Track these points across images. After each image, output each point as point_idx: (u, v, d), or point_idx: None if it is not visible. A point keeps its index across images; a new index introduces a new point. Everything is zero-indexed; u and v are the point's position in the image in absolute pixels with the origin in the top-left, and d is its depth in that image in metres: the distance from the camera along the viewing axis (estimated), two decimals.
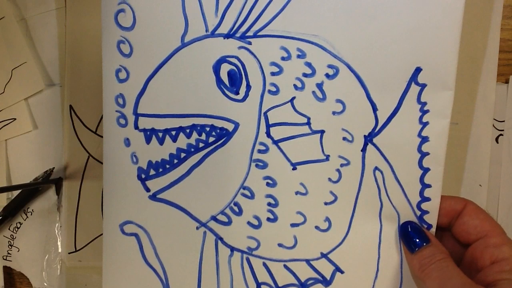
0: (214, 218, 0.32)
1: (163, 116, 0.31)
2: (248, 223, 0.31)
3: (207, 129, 0.30)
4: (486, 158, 0.44)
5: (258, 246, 0.32)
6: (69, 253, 0.45)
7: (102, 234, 0.44)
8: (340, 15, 0.28)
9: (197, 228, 0.32)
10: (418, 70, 0.29)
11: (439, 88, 0.29)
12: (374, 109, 0.30)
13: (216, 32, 0.30)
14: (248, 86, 0.30)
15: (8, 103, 0.46)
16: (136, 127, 0.31)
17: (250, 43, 0.30)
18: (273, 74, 0.30)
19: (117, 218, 0.32)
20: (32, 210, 0.46)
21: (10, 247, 0.46)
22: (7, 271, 0.47)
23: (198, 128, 0.30)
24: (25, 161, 0.46)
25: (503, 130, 0.43)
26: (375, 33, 0.28)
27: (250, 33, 0.29)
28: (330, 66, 0.29)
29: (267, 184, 0.31)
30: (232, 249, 0.32)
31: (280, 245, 0.32)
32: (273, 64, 0.30)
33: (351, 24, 0.28)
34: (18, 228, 0.46)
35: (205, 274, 0.32)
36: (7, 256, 0.47)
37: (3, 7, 0.46)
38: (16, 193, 0.46)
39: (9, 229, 0.47)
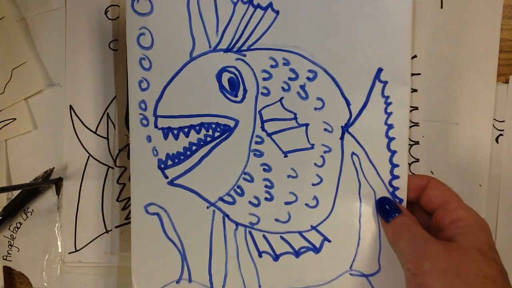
0: (221, 199, 0.38)
1: (177, 117, 0.37)
2: (249, 202, 0.38)
3: (213, 126, 0.37)
4: (486, 158, 0.44)
5: (258, 221, 0.38)
6: (69, 253, 0.45)
7: (102, 234, 0.45)
8: (315, 30, 0.35)
9: (207, 207, 0.38)
10: (380, 70, 0.35)
11: (398, 84, 0.35)
12: (348, 104, 0.36)
13: (218, 48, 0.36)
14: (245, 90, 0.37)
15: (8, 103, 0.46)
16: (156, 126, 0.38)
17: (245, 55, 0.37)
18: (264, 79, 0.37)
19: (142, 201, 0.38)
20: (32, 210, 0.46)
21: (10, 247, 0.46)
22: (7, 271, 0.47)
23: (206, 125, 0.37)
24: (25, 161, 0.46)
25: (503, 130, 0.43)
26: (343, 43, 0.35)
27: (244, 47, 0.37)
28: (310, 71, 0.36)
29: (264, 169, 0.37)
30: (237, 224, 0.38)
31: (276, 220, 0.38)
32: (264, 71, 0.37)
33: (324, 36, 0.36)
34: (18, 228, 0.46)
35: (215, 245, 0.38)
36: (7, 256, 0.47)
37: (3, 7, 0.46)
38: (16, 193, 0.46)
39: (9, 229, 0.47)
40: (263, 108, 0.37)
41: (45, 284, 0.46)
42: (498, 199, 0.44)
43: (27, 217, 0.46)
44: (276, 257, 0.38)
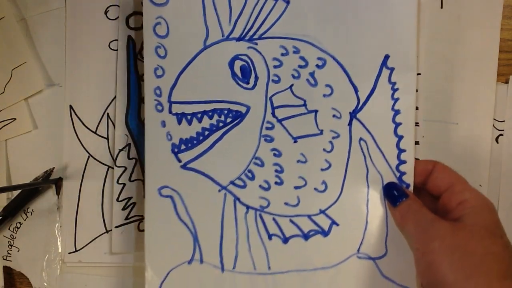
0: (232, 183, 0.39)
1: (191, 103, 0.39)
2: (260, 186, 0.39)
3: (225, 111, 0.38)
4: (486, 158, 0.44)
5: (269, 204, 0.39)
6: (69, 253, 0.45)
7: (102, 234, 0.45)
8: (324, 19, 0.37)
9: (219, 190, 0.39)
10: (387, 56, 0.37)
11: (404, 70, 0.37)
12: (356, 90, 0.37)
13: (230, 36, 0.38)
14: (256, 77, 0.38)
15: (8, 103, 0.46)
16: (170, 112, 0.39)
17: (256, 44, 0.38)
18: (275, 67, 0.38)
19: (156, 183, 0.39)
20: (32, 210, 0.46)
21: (10, 247, 0.47)
22: (7, 271, 0.47)
23: (218, 111, 0.38)
24: (25, 161, 0.46)
25: (503, 130, 0.44)
26: (351, 30, 0.37)
27: (256, 36, 0.38)
28: (319, 59, 0.37)
29: (274, 154, 0.38)
30: (248, 207, 0.39)
31: (286, 203, 0.39)
32: (275, 59, 0.38)
33: (333, 25, 0.37)
34: (18, 228, 0.46)
35: (226, 227, 0.39)
36: (7, 256, 0.47)
37: (3, 7, 0.46)
38: (16, 193, 0.46)
39: (9, 229, 0.47)
40: (273, 94, 0.38)
41: (45, 284, 0.46)
42: (498, 199, 0.44)
43: (27, 217, 0.46)
44: (285, 240, 0.39)
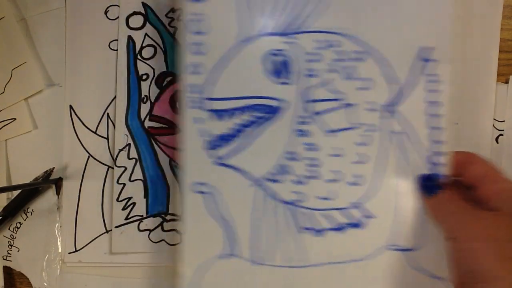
0: (265, 177, 0.39)
1: (226, 99, 0.39)
2: (293, 180, 0.39)
3: (260, 107, 0.39)
4: (486, 158, 0.43)
5: (301, 199, 0.39)
6: (69, 253, 0.45)
7: (102, 234, 0.45)
8: (361, 12, 0.37)
9: (252, 185, 0.39)
10: (424, 48, 0.37)
11: (441, 62, 0.37)
12: (393, 83, 0.38)
13: (265, 32, 0.38)
14: (291, 72, 0.38)
15: (8, 103, 0.46)
16: (205, 108, 0.39)
17: (291, 38, 0.38)
18: (310, 61, 0.38)
19: (190, 179, 0.39)
20: (32, 210, 0.46)
21: (10, 247, 0.47)
22: (7, 271, 0.47)
23: (253, 107, 0.39)
24: (25, 161, 0.46)
25: (503, 130, 0.43)
26: (388, 23, 0.37)
27: (291, 31, 0.38)
28: (355, 52, 0.38)
29: (308, 148, 0.39)
30: (280, 201, 0.39)
31: (319, 197, 0.39)
32: (310, 53, 0.38)
33: (370, 18, 0.37)
34: (18, 228, 0.46)
35: (258, 222, 0.39)
36: (7, 256, 0.47)
37: (3, 7, 0.46)
38: (16, 193, 0.46)
39: (9, 229, 0.47)
40: (308, 89, 0.38)
41: (45, 284, 0.46)
42: None
43: (27, 217, 0.46)
44: (318, 233, 0.39)
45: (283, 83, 0.38)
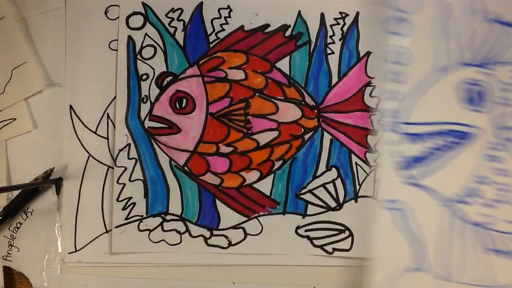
0: (456, 199, 0.41)
1: (421, 124, 0.42)
2: (483, 203, 0.41)
3: (453, 132, 0.41)
4: None
5: (490, 221, 0.41)
6: (69, 253, 0.45)
7: (102, 234, 0.45)
8: None
9: (443, 205, 0.41)
10: None
11: None
12: None
13: (459, 61, 0.41)
14: (484, 100, 0.41)
15: (8, 103, 0.46)
16: (402, 132, 0.42)
17: (485, 69, 0.41)
18: (503, 90, 0.40)
19: (386, 197, 0.42)
20: (32, 210, 0.46)
21: (10, 247, 0.46)
22: (7, 271, 0.47)
23: (446, 132, 0.41)
24: (25, 161, 0.46)
25: None
26: None
27: (484, 61, 0.40)
28: None
29: (498, 173, 0.41)
30: (469, 223, 0.41)
31: (508, 221, 0.41)
32: (504, 83, 0.40)
33: None
34: (18, 228, 0.46)
35: (446, 240, 0.41)
36: (7, 256, 0.47)
37: (3, 7, 0.46)
38: (16, 193, 0.46)
39: (9, 229, 0.47)
40: (502, 116, 0.41)
41: (45, 284, 0.46)
42: None
43: (27, 217, 0.46)
44: (506, 256, 0.41)
45: (475, 110, 0.41)
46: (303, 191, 0.44)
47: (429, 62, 0.41)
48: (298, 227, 0.44)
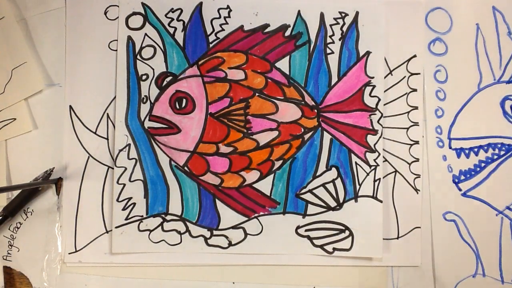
0: (508, 208, 0.45)
1: (468, 139, 0.44)
2: None
3: (499, 145, 0.44)
4: None
5: None
6: (69, 253, 0.45)
7: (102, 234, 0.45)
8: None
9: (496, 215, 0.45)
10: None
11: None
12: None
13: (501, 80, 0.44)
14: None
15: (8, 103, 0.46)
16: (450, 147, 0.45)
17: None
18: None
19: (440, 209, 0.45)
20: (32, 210, 0.46)
21: (10, 247, 0.47)
22: (7, 271, 0.47)
23: (493, 145, 0.44)
24: (25, 161, 0.46)
25: None
26: None
27: None
28: None
29: None
30: None
31: None
32: None
33: None
34: (18, 228, 0.46)
35: (503, 246, 0.45)
36: (7, 256, 0.47)
37: (3, 7, 0.46)
38: (16, 193, 0.46)
39: (9, 229, 0.47)
40: None
41: (45, 284, 0.46)
42: None
43: (27, 217, 0.46)
44: None
45: None
46: (303, 191, 0.45)
47: (474, 79, 0.44)
48: (298, 227, 0.44)
